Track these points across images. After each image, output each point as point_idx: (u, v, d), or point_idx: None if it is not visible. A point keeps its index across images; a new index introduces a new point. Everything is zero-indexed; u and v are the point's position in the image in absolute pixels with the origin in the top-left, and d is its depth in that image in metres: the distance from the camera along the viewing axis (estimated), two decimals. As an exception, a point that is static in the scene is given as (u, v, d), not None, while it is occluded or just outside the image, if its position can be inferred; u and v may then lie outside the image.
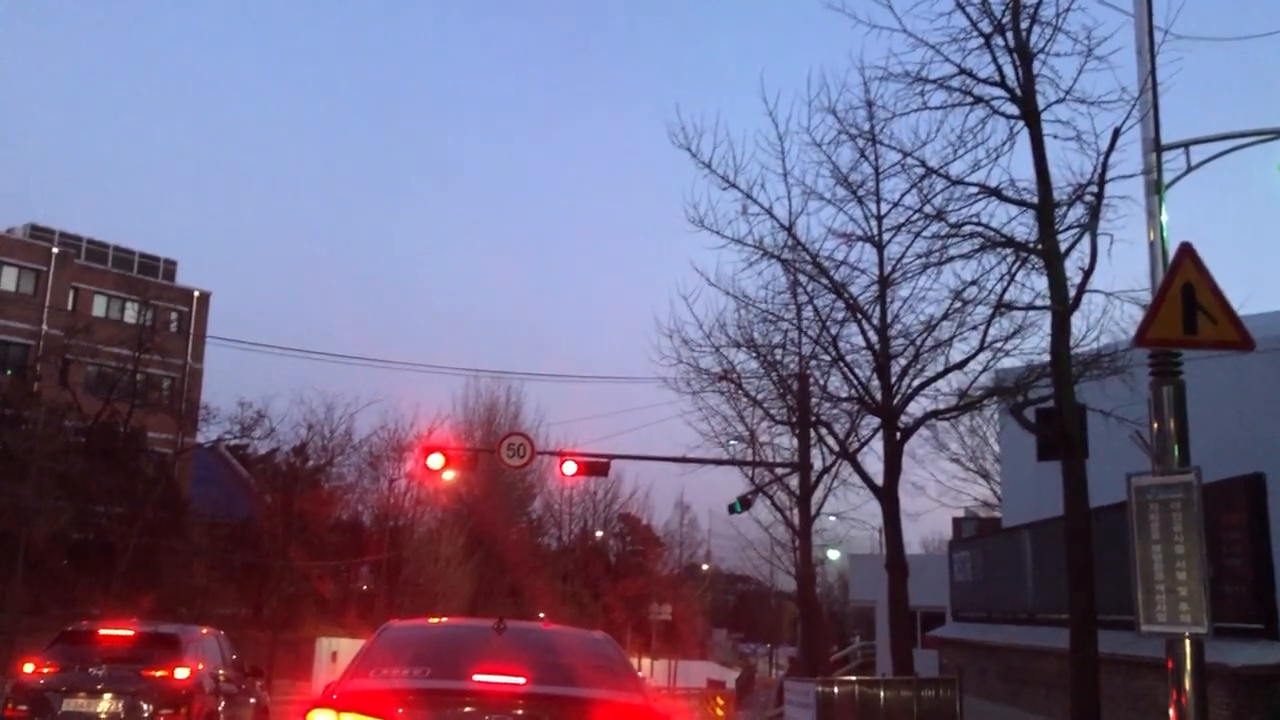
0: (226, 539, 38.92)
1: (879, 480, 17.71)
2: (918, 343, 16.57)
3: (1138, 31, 9.06)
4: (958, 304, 15.33)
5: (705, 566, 72.60)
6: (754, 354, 20.11)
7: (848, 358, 17.46)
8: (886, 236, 15.94)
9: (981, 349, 15.66)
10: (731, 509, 24.89)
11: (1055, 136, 11.63)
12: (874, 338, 16.72)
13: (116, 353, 37.83)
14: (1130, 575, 7.37)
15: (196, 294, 49.32)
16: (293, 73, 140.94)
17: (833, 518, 30.47)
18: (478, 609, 42.90)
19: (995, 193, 12.31)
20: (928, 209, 13.51)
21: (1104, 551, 11.73)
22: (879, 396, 17.07)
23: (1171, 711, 7.19)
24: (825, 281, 16.49)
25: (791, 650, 60.88)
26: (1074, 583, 11.09)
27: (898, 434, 17.22)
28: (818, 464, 23.89)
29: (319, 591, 40.23)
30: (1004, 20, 11.55)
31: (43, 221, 46.76)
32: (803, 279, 17.31)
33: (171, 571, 35.27)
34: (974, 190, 12.50)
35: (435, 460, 23.40)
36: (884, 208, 15.72)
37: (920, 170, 13.21)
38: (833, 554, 43.58)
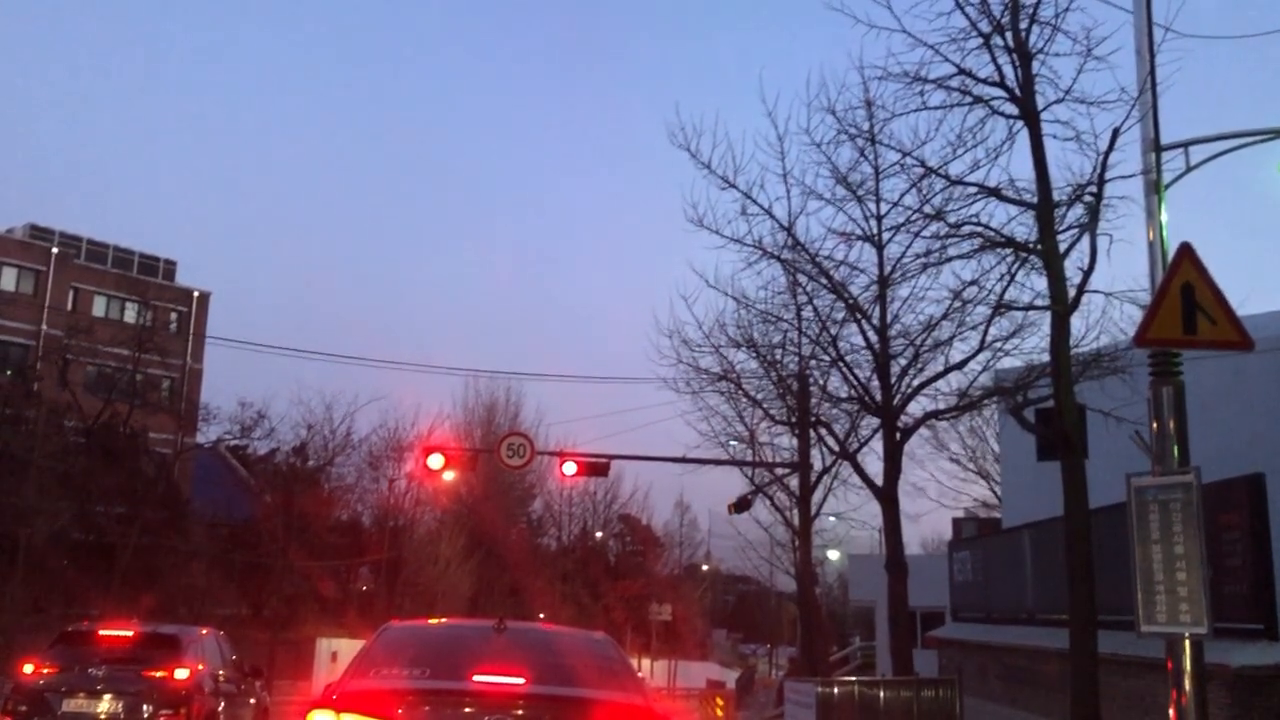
0: (226, 539, 38.88)
1: (879, 480, 17.70)
2: (917, 343, 16.57)
3: (1137, 31, 9.06)
4: (957, 304, 15.36)
5: (705, 567, 72.60)
6: (754, 354, 20.13)
7: (847, 358, 17.47)
8: (886, 236, 15.96)
9: (981, 349, 15.68)
10: (731, 509, 24.89)
11: (1055, 136, 11.65)
12: (874, 338, 16.71)
13: (116, 353, 37.83)
14: (1130, 575, 7.37)
15: (196, 294, 49.33)
16: (291, 73, 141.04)
17: (832, 518, 30.48)
18: (478, 609, 42.88)
19: (995, 193, 12.32)
20: (927, 209, 13.53)
21: (1104, 552, 11.73)
22: (879, 396, 17.06)
23: (1171, 712, 7.19)
24: (825, 281, 16.48)
25: (791, 650, 60.86)
26: (1074, 583, 11.09)
27: (898, 434, 17.21)
28: (817, 464, 23.89)
29: (319, 592, 40.17)
30: (1003, 20, 11.56)
31: (43, 221, 46.88)
32: (802, 279, 17.32)
33: (171, 571, 35.22)
34: (973, 190, 12.52)
35: (435, 460, 23.39)
36: (883, 207, 15.74)
37: (919, 170, 13.23)
38: (832, 554, 43.54)
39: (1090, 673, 10.89)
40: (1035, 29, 11.57)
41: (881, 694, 17.77)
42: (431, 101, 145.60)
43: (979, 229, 12.68)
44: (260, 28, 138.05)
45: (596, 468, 24.47)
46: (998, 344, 15.60)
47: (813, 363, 19.51)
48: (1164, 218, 8.48)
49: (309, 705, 5.37)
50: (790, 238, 16.30)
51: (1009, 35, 11.60)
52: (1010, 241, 12.60)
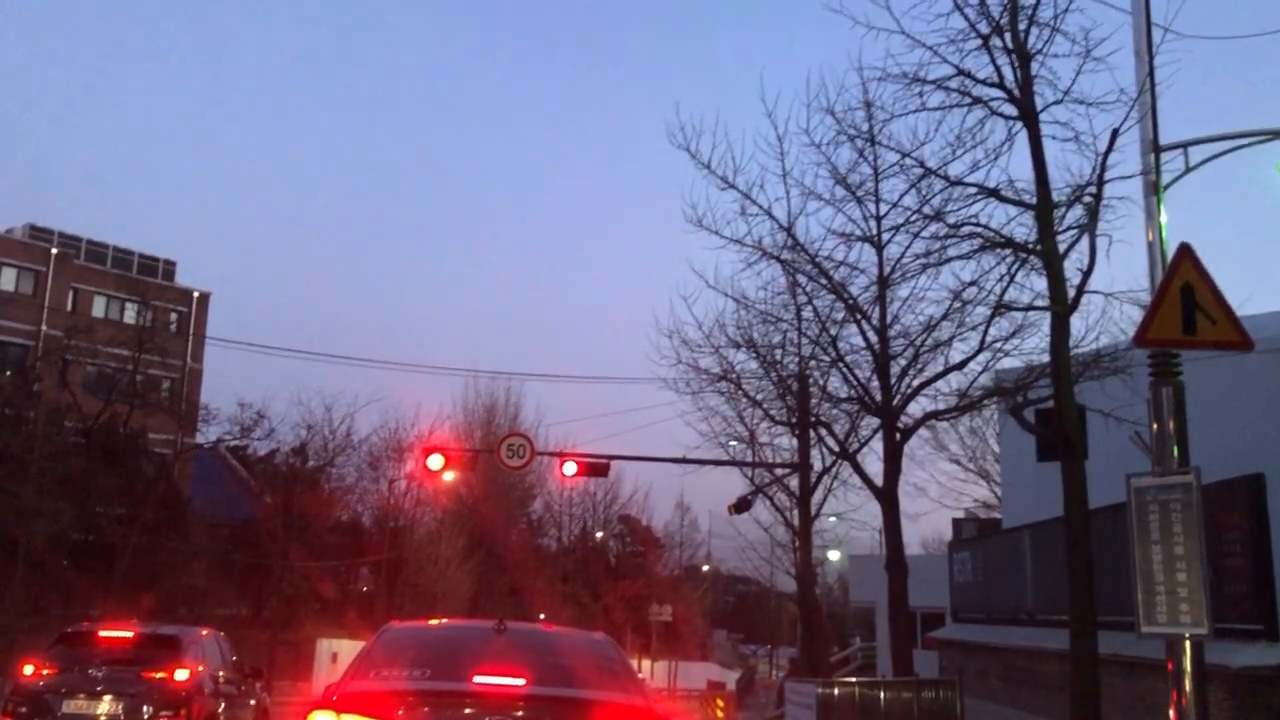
0: (227, 539, 38.87)
1: (879, 481, 17.70)
2: (917, 343, 16.56)
3: (1136, 32, 9.07)
4: (957, 304, 15.35)
5: (705, 567, 72.57)
6: (753, 354, 20.10)
7: (847, 358, 17.46)
8: (885, 237, 15.95)
9: (981, 349, 15.66)
10: (732, 510, 24.87)
11: (1054, 137, 11.65)
12: (873, 338, 16.71)
13: (116, 353, 37.81)
14: (1130, 576, 7.37)
15: (196, 294, 49.32)
16: (291, 73, 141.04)
17: (833, 518, 30.45)
18: (478, 610, 42.88)
19: (994, 193, 12.33)
20: (927, 209, 13.54)
21: (1104, 552, 11.73)
22: (879, 397, 17.06)
23: (1171, 713, 7.19)
24: (824, 282, 16.48)
25: (792, 651, 60.84)
26: (1074, 584, 11.09)
27: (897, 434, 17.21)
28: (817, 465, 23.87)
29: (319, 592, 40.18)
30: (1002, 21, 11.56)
31: (42, 222, 46.83)
32: (802, 279, 17.30)
33: (171, 572, 35.24)
34: (973, 191, 12.53)
35: (435, 461, 23.38)
36: (883, 208, 15.73)
37: (919, 171, 13.23)
38: (833, 555, 43.54)
39: (1091, 673, 10.89)
40: (1034, 30, 11.59)
41: (882, 695, 17.78)
42: (431, 101, 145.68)
43: (978, 229, 12.68)
44: (261, 28, 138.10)
45: (596, 468, 24.46)
46: (997, 344, 15.60)
47: (812, 363, 19.50)
48: (1163, 218, 8.48)
49: (309, 706, 5.36)
50: (790, 238, 16.30)
51: (1008, 36, 11.60)
52: (1010, 242, 12.60)
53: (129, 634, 12.90)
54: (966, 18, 11.51)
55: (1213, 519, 9.99)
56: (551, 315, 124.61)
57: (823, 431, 21.01)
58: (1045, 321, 13.02)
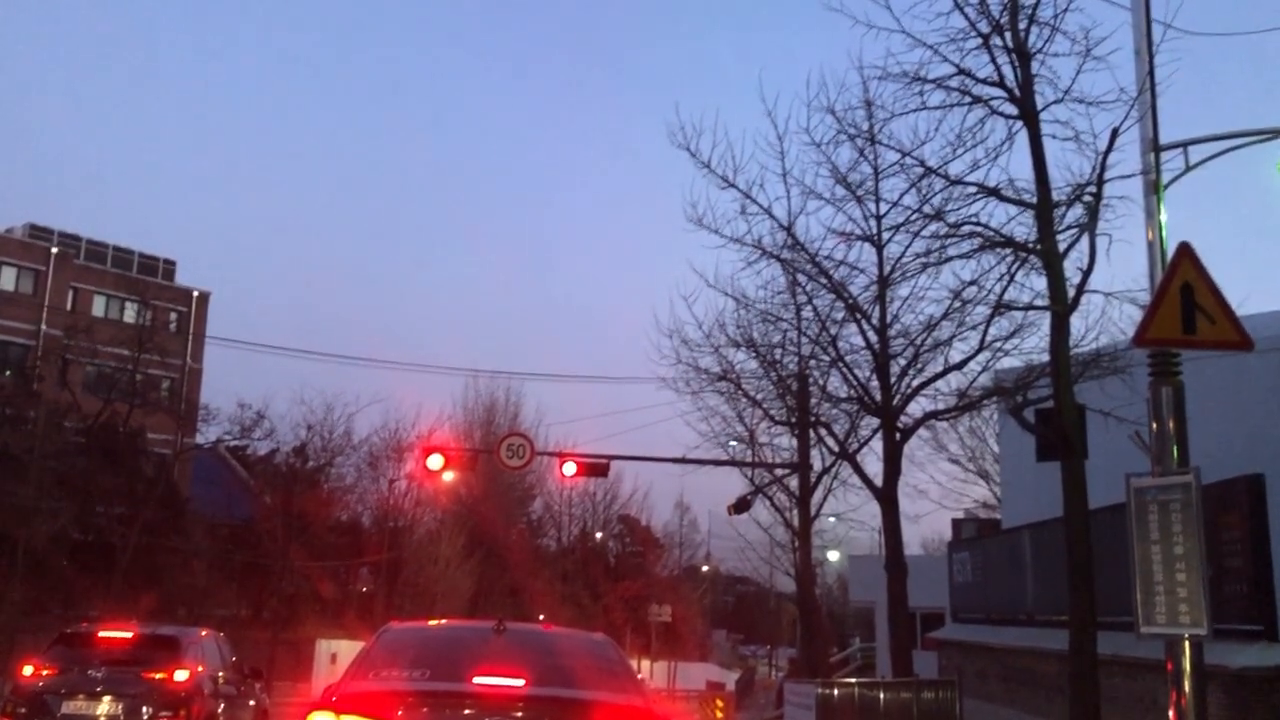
0: (226, 540, 38.85)
1: (878, 481, 17.70)
2: (917, 343, 16.58)
3: (1136, 31, 9.07)
4: (957, 304, 15.36)
5: (705, 568, 72.58)
6: (753, 354, 20.11)
7: (847, 358, 17.47)
8: (886, 236, 15.97)
9: (981, 349, 15.67)
10: (731, 510, 24.87)
11: (1054, 136, 11.67)
12: (873, 338, 16.72)
13: (116, 353, 37.80)
14: (1129, 576, 7.36)
15: (196, 294, 49.32)
16: (291, 72, 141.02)
17: (832, 519, 30.47)
18: (477, 610, 42.86)
19: (994, 193, 12.33)
20: (927, 209, 13.56)
21: (1103, 552, 11.72)
22: (878, 397, 17.06)
23: (1171, 713, 7.18)
24: (824, 281, 16.49)
25: (791, 652, 60.85)
26: (1073, 584, 11.09)
27: (897, 434, 17.22)
28: (817, 465, 23.88)
29: (319, 592, 40.15)
30: (1002, 20, 11.57)
31: (42, 221, 46.82)
32: (802, 279, 17.32)
33: (171, 572, 35.22)
34: (973, 190, 12.54)
35: (435, 461, 23.40)
36: (883, 207, 15.75)
37: (919, 170, 13.26)
38: (832, 555, 43.53)
39: (1090, 674, 10.88)
40: (1034, 29, 11.60)
41: (881, 695, 17.79)
42: (432, 102, 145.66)
43: (978, 229, 12.69)
44: (260, 27, 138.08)
45: (596, 468, 24.46)
46: (997, 344, 15.61)
47: (812, 363, 19.51)
48: (1163, 218, 8.47)
49: (309, 707, 5.35)
50: (790, 237, 16.32)
51: (1008, 35, 11.61)
52: (1010, 241, 12.61)
53: (128, 634, 12.90)
54: (967, 17, 11.54)
55: (1212, 519, 9.97)
56: (552, 315, 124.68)
57: (822, 431, 21.02)
58: (1045, 321, 13.04)
